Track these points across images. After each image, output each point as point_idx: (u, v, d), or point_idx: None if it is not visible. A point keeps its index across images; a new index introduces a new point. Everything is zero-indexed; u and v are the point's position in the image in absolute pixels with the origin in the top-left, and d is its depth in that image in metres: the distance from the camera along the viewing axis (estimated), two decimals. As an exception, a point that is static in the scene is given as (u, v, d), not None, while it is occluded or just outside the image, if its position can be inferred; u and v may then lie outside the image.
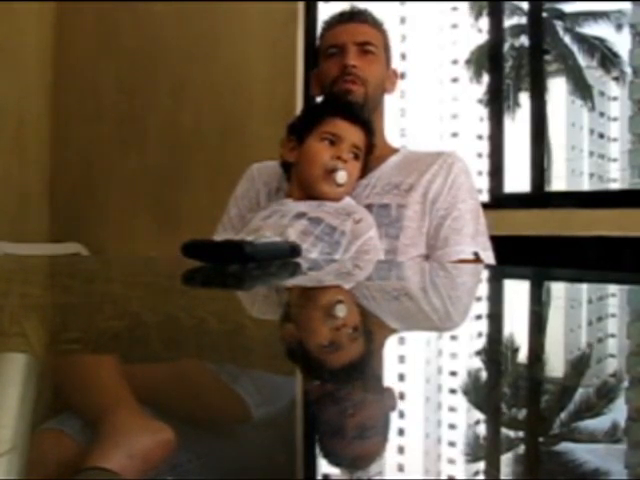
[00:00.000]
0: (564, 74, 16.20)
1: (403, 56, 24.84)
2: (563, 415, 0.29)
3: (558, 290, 0.82)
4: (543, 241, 2.04)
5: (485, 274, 1.03)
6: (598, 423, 0.28)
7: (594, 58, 15.82)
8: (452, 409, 0.31)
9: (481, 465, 0.24)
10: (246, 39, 2.67)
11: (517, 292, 0.80)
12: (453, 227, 1.29)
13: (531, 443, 0.26)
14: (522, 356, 0.42)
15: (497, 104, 2.57)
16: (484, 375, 0.37)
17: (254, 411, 0.30)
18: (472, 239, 1.30)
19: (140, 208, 2.92)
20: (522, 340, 0.48)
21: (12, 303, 0.57)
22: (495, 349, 0.44)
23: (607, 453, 0.25)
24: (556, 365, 0.40)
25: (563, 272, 1.26)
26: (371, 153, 1.33)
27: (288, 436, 0.27)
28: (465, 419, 0.30)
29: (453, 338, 0.47)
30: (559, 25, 15.83)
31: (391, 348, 0.44)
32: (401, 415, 0.28)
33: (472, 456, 0.25)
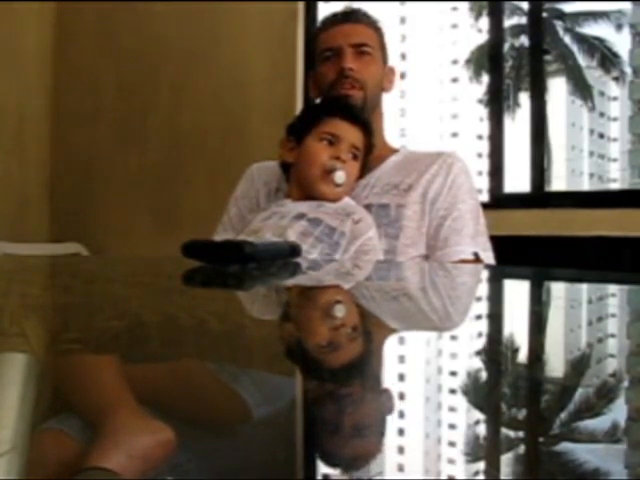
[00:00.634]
0: (564, 74, 16.20)
1: (403, 56, 24.82)
2: (563, 415, 0.29)
3: (558, 290, 0.82)
4: (543, 241, 2.04)
5: (485, 274, 1.03)
6: (598, 423, 0.28)
7: (594, 58, 15.81)
8: (452, 409, 0.31)
9: (481, 465, 0.24)
10: (246, 39, 2.67)
11: (517, 292, 0.80)
12: (453, 227, 1.29)
13: (531, 443, 0.26)
14: (522, 356, 0.42)
15: (497, 104, 2.57)
16: (484, 375, 0.37)
17: (254, 411, 0.30)
18: (472, 239, 1.30)
19: (140, 208, 2.92)
20: (522, 340, 0.48)
21: (12, 303, 0.57)
22: (495, 349, 0.44)
23: (607, 453, 0.25)
24: (556, 365, 0.40)
25: (563, 272, 1.26)
26: (370, 153, 1.33)
27: (288, 436, 0.27)
28: (465, 419, 0.30)
29: (453, 338, 0.47)
30: (559, 25, 15.82)
31: (391, 348, 0.44)
32: (401, 415, 0.28)
33: (472, 456, 0.25)
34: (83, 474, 0.23)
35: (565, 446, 0.25)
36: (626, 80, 17.33)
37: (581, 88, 16.43)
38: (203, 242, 0.97)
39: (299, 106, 2.53)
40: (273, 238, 1.18)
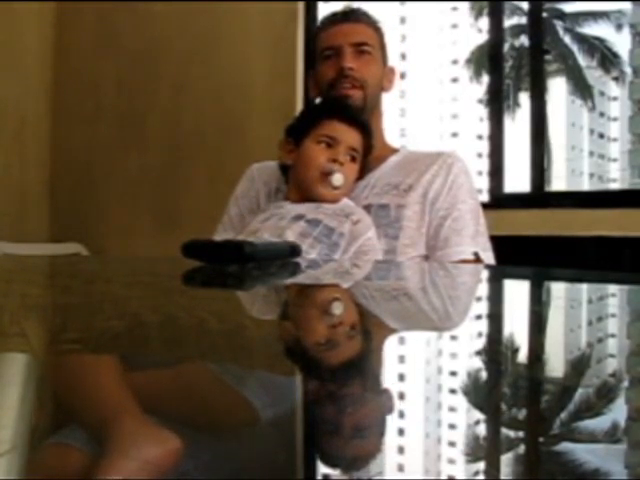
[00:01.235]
0: (564, 74, 16.21)
1: (403, 56, 24.82)
2: (563, 415, 0.29)
3: (558, 290, 0.82)
4: (543, 241, 2.04)
5: (485, 274, 1.03)
6: (598, 423, 0.28)
7: (594, 58, 15.82)
8: (452, 409, 0.31)
9: (481, 465, 0.24)
10: (246, 39, 2.67)
11: (517, 292, 0.80)
12: (453, 227, 1.29)
13: (531, 443, 0.26)
14: (522, 356, 0.42)
15: (497, 104, 2.57)
16: (484, 375, 0.37)
17: (261, 413, 0.29)
18: (472, 239, 1.30)
19: (140, 208, 2.92)
20: (522, 340, 0.48)
21: (12, 303, 0.57)
22: (495, 349, 0.44)
23: (607, 453, 0.25)
24: (556, 365, 0.40)
25: (563, 272, 1.26)
26: (369, 154, 1.33)
27: (295, 437, 0.27)
28: (465, 419, 0.30)
29: (453, 338, 0.47)
30: (559, 25, 15.83)
31: (391, 348, 0.44)
32: (401, 415, 0.28)
33: (472, 456, 0.25)
34: None
35: (565, 446, 0.25)
36: (626, 80, 17.34)
37: (581, 88, 16.44)
38: (203, 242, 0.97)
39: (299, 106, 2.53)
40: (272, 238, 1.18)
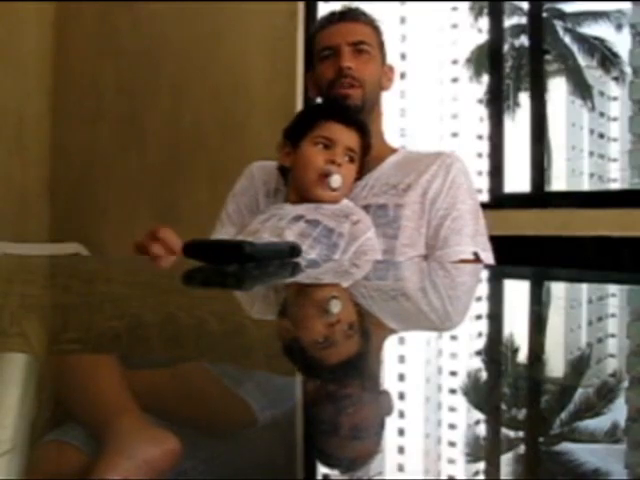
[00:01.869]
0: (564, 74, 16.19)
1: (403, 56, 24.81)
2: (563, 415, 0.29)
3: (558, 290, 0.82)
4: (543, 241, 2.04)
5: (485, 274, 1.03)
6: (598, 423, 0.28)
7: (594, 58, 15.81)
8: (452, 409, 0.31)
9: (481, 465, 0.24)
10: (246, 39, 2.67)
11: (517, 292, 0.80)
12: (453, 228, 1.29)
13: (531, 443, 0.26)
14: (522, 356, 0.42)
15: (497, 104, 2.57)
16: (484, 375, 0.37)
17: (259, 415, 0.29)
18: (472, 239, 1.30)
19: (140, 208, 2.92)
20: (522, 340, 0.48)
21: (12, 303, 0.57)
22: (495, 349, 0.44)
23: (607, 453, 0.25)
24: (556, 365, 0.40)
25: (563, 272, 1.26)
26: (368, 154, 1.32)
27: (293, 439, 0.27)
28: (465, 419, 0.30)
29: (453, 338, 0.47)
30: (559, 25, 15.82)
31: (391, 348, 0.44)
32: (401, 415, 0.28)
33: (472, 456, 0.25)
34: None
35: (565, 446, 0.25)
36: (626, 80, 17.32)
37: (581, 88, 16.43)
38: (203, 242, 0.97)
39: (299, 106, 2.53)
40: (272, 238, 1.18)
